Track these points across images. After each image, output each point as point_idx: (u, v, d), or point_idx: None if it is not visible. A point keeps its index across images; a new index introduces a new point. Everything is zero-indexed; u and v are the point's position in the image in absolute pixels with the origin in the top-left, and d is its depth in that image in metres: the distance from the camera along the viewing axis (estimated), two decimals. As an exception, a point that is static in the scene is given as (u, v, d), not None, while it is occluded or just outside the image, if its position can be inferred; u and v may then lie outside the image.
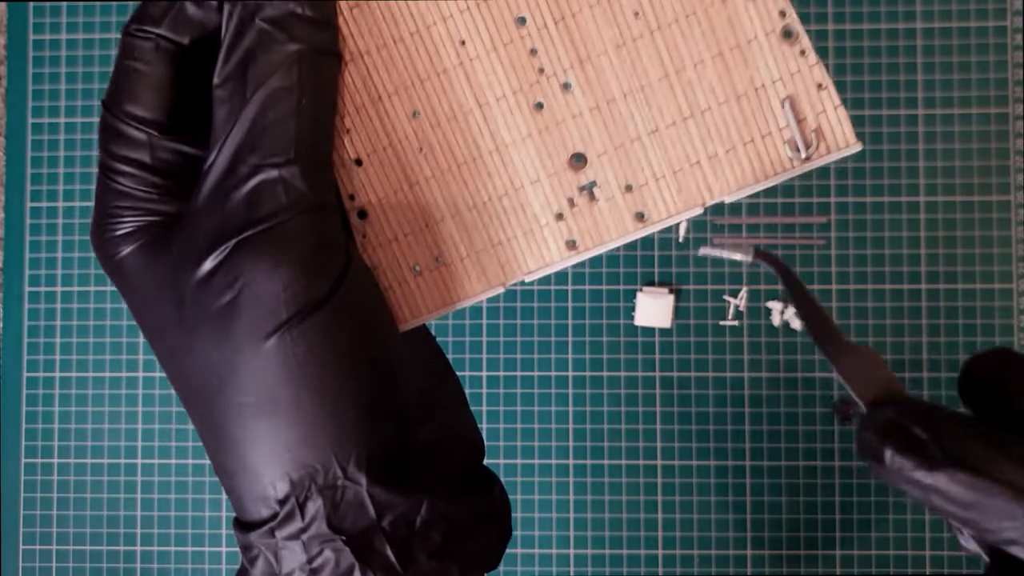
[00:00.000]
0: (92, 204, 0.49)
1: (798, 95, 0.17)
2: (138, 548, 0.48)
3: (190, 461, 0.48)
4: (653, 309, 0.46)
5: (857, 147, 0.17)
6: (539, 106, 0.18)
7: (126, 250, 0.16)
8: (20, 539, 0.48)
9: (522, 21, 0.17)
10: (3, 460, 0.48)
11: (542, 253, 0.18)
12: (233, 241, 0.15)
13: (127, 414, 0.48)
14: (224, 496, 0.47)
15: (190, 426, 0.48)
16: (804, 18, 0.47)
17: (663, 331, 0.47)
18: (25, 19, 0.49)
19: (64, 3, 0.49)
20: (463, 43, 0.17)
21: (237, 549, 0.47)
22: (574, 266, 0.48)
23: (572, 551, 0.47)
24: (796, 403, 0.46)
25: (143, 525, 0.48)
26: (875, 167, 0.47)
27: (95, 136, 0.49)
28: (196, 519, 0.47)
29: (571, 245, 0.18)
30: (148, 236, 0.16)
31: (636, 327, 0.47)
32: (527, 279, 0.18)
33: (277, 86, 0.15)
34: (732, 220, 0.47)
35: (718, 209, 0.47)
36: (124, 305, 0.48)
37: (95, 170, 0.48)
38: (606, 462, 0.47)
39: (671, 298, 0.46)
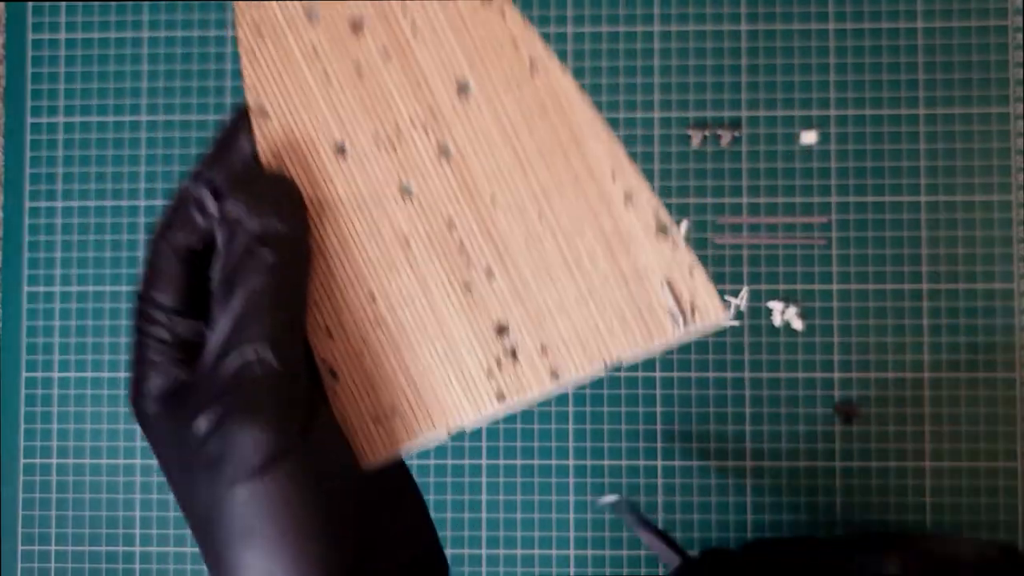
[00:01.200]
0: (93, 203, 0.49)
1: (675, 277, 0.22)
2: (138, 548, 0.48)
3: (190, 461, 0.48)
4: (653, 309, 0.46)
5: (726, 321, 0.21)
6: (468, 288, 0.22)
7: (152, 408, 0.21)
8: (20, 539, 0.48)
9: (452, 225, 0.22)
10: (3, 460, 0.48)
11: (477, 404, 0.23)
12: (220, 406, 0.20)
13: (127, 414, 0.48)
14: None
15: (190, 426, 0.48)
16: (804, 18, 0.47)
17: (663, 331, 0.47)
18: (24, 19, 0.49)
19: (64, 3, 0.49)
20: (407, 241, 0.23)
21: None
22: (574, 266, 0.48)
23: (572, 551, 0.46)
24: (796, 403, 0.46)
25: (143, 525, 0.48)
26: (875, 167, 0.47)
27: (95, 136, 0.49)
28: (196, 519, 0.47)
29: (501, 397, 0.23)
30: (168, 396, 0.21)
31: (636, 327, 0.47)
32: (467, 428, 0.23)
33: (256, 287, 0.20)
34: (732, 220, 0.47)
35: (718, 209, 0.47)
36: (124, 305, 0.48)
37: (95, 170, 0.48)
38: (606, 462, 0.47)
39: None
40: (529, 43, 0.22)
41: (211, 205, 0.21)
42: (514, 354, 0.23)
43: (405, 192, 0.23)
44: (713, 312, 0.22)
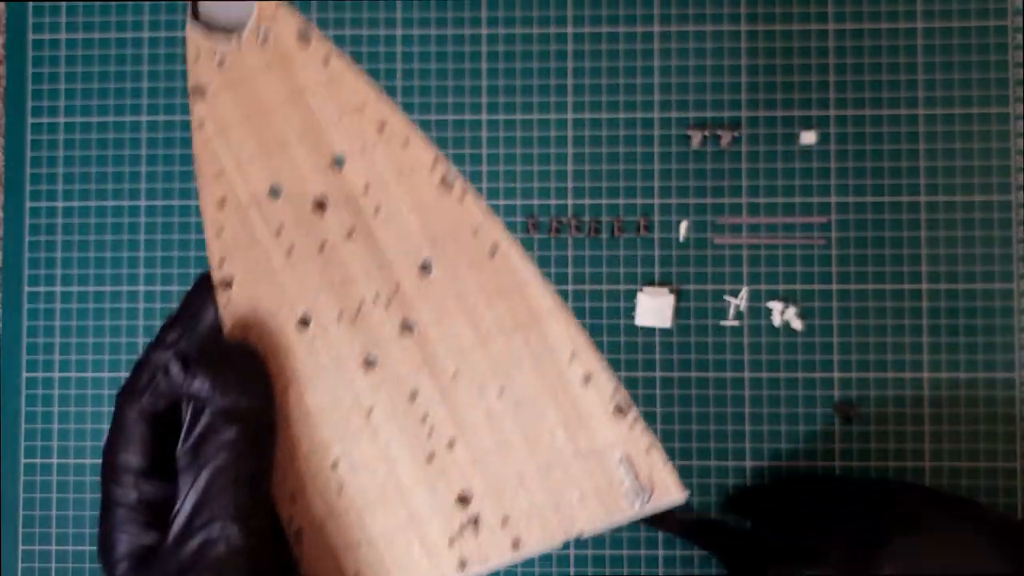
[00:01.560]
0: (93, 203, 0.49)
1: (632, 455, 0.22)
2: (138, 548, 0.48)
3: (190, 461, 0.48)
4: (653, 309, 0.46)
5: (682, 498, 0.22)
6: (430, 458, 0.23)
7: (120, 570, 0.22)
8: (20, 539, 0.48)
9: (415, 396, 0.23)
10: (3, 460, 0.48)
11: (440, 572, 0.23)
12: None
13: (127, 414, 0.48)
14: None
15: (190, 426, 0.48)
16: (804, 18, 0.47)
17: (663, 331, 0.47)
18: (25, 19, 0.49)
19: (64, 3, 0.49)
20: (370, 411, 0.23)
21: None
22: (574, 266, 0.48)
23: (572, 551, 0.47)
24: (796, 403, 0.46)
25: (143, 525, 0.48)
26: (875, 167, 0.47)
27: (95, 136, 0.49)
28: (196, 519, 0.47)
29: (463, 566, 0.23)
30: (135, 559, 0.22)
31: (636, 327, 0.47)
32: None
33: (219, 465, 0.21)
34: (732, 220, 0.47)
35: (718, 209, 0.47)
36: (124, 305, 0.48)
37: (95, 170, 0.48)
38: (606, 462, 0.47)
39: (671, 298, 0.46)
40: (490, 229, 0.23)
41: (177, 373, 0.22)
42: (476, 523, 0.23)
43: (368, 364, 0.23)
44: (672, 489, 0.22)
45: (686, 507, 0.46)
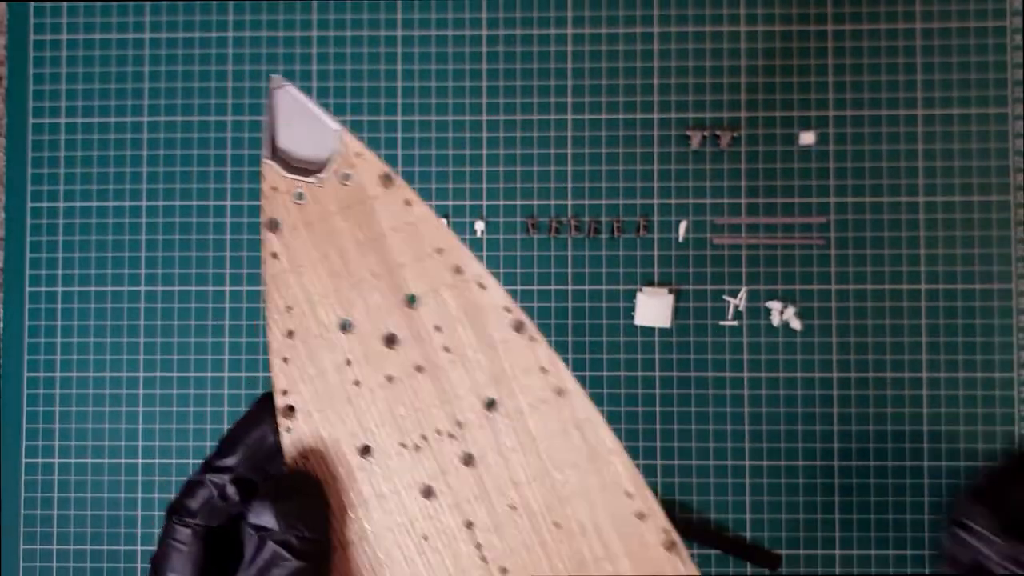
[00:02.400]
0: (94, 203, 0.49)
1: None
2: (138, 548, 0.48)
3: (190, 461, 0.48)
4: (653, 309, 0.46)
5: None
6: None
7: None
8: (20, 539, 0.48)
9: (471, 525, 0.24)
10: (3, 460, 0.48)
11: None
12: None
13: (127, 414, 0.48)
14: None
15: (190, 426, 0.48)
16: (804, 18, 0.47)
17: (663, 331, 0.47)
18: (25, 19, 0.49)
19: (64, 3, 0.49)
20: (425, 537, 0.24)
21: (237, 549, 0.47)
22: (574, 266, 0.48)
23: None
24: (796, 403, 0.46)
25: (143, 525, 0.48)
26: (875, 167, 0.47)
27: (96, 136, 0.49)
28: (196, 519, 0.47)
29: None
30: None
31: (636, 327, 0.47)
32: None
33: None
34: (731, 220, 0.47)
35: (718, 209, 0.47)
36: (124, 305, 0.49)
37: (96, 170, 0.49)
38: (606, 462, 0.47)
39: (671, 298, 0.46)
40: (557, 372, 0.23)
41: (235, 498, 0.23)
42: None
43: (427, 493, 0.24)
44: None
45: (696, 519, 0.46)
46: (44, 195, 0.49)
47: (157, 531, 0.48)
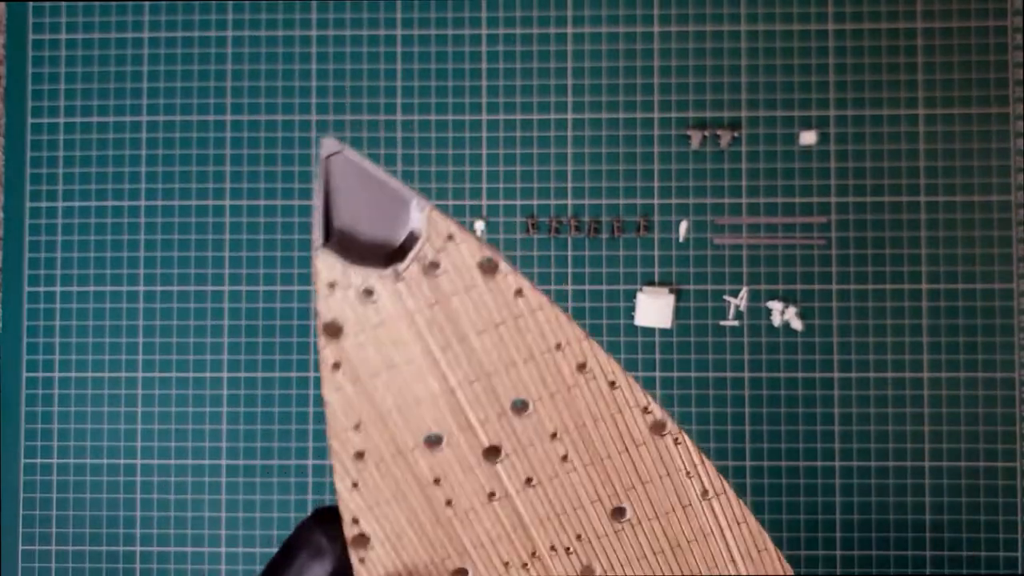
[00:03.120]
0: (93, 203, 0.49)
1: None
2: (138, 548, 0.48)
3: (190, 461, 0.48)
4: (653, 309, 0.46)
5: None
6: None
7: None
8: (20, 539, 0.48)
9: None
10: (3, 460, 0.48)
11: None
12: None
13: (127, 414, 0.48)
14: (224, 497, 0.47)
15: (190, 426, 0.48)
16: (804, 18, 0.47)
17: (663, 331, 0.47)
18: (25, 19, 0.49)
19: (64, 3, 0.49)
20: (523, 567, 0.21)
21: (237, 549, 0.47)
22: (574, 266, 0.48)
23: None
24: (796, 403, 0.46)
25: (143, 525, 0.48)
26: (875, 167, 0.47)
27: (95, 136, 0.49)
28: (196, 519, 0.47)
29: None
30: None
31: (636, 327, 0.47)
32: None
33: None
34: (732, 220, 0.47)
35: (718, 209, 0.47)
36: (124, 305, 0.48)
37: (95, 170, 0.48)
38: (606, 462, 0.47)
39: (671, 298, 0.46)
40: (699, 473, 0.21)
41: None
42: None
43: None
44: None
45: None
46: (43, 195, 0.49)
47: (157, 531, 0.47)
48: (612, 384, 0.20)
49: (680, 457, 0.21)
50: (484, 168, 0.48)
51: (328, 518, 0.21)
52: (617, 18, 0.48)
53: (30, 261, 0.49)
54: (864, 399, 0.46)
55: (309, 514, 0.22)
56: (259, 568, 0.48)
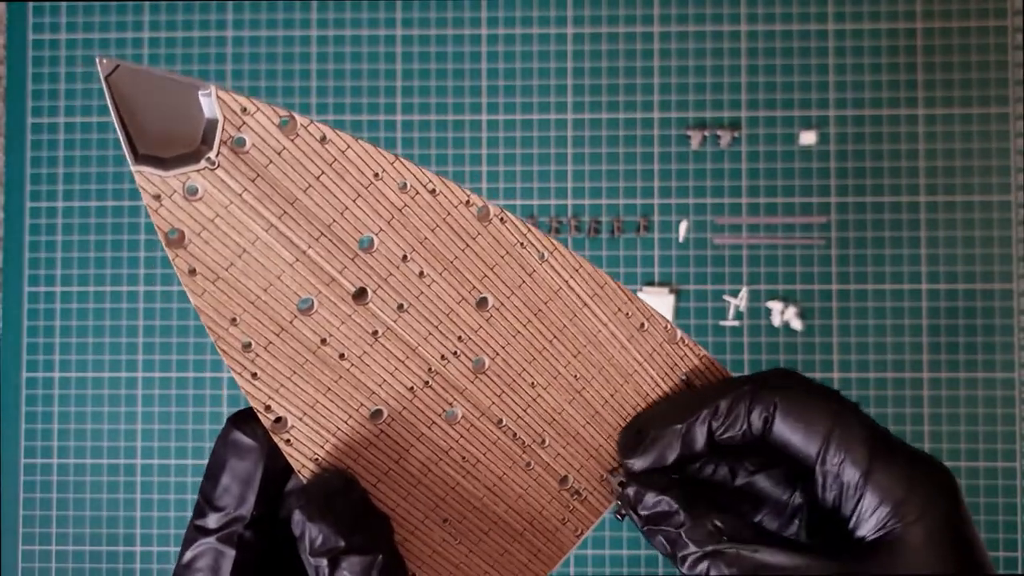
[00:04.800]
0: (93, 203, 0.49)
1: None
2: (138, 548, 0.48)
3: (190, 461, 0.48)
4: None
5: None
6: (528, 466, 0.24)
7: None
8: (20, 539, 0.48)
9: (501, 423, 0.24)
10: (3, 460, 0.48)
11: (563, 551, 0.26)
12: None
13: (127, 414, 0.48)
14: (224, 496, 0.47)
15: (190, 426, 0.48)
16: (804, 18, 0.47)
17: (663, 331, 0.47)
18: (25, 19, 0.49)
19: (64, 3, 0.49)
20: (463, 457, 0.24)
21: (237, 549, 0.47)
22: (574, 266, 0.48)
23: (572, 551, 0.46)
24: (796, 403, 0.46)
25: (143, 525, 0.48)
26: (875, 167, 0.47)
27: (95, 136, 0.49)
28: (196, 519, 0.47)
29: (578, 534, 0.26)
30: None
31: (636, 327, 0.47)
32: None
33: None
34: (732, 220, 0.47)
35: (718, 209, 0.47)
36: (124, 305, 0.48)
37: (95, 170, 0.48)
38: (606, 462, 0.47)
39: (671, 298, 0.46)
40: (533, 238, 0.23)
41: (252, 538, 0.23)
42: (578, 494, 0.25)
43: (450, 419, 0.23)
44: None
45: None
46: (43, 195, 0.49)
47: (157, 531, 0.47)
48: (433, 192, 0.22)
49: (510, 232, 0.23)
50: (484, 168, 0.48)
51: (241, 418, 0.22)
52: (617, 18, 0.48)
53: (29, 261, 0.49)
54: (864, 399, 0.46)
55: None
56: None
